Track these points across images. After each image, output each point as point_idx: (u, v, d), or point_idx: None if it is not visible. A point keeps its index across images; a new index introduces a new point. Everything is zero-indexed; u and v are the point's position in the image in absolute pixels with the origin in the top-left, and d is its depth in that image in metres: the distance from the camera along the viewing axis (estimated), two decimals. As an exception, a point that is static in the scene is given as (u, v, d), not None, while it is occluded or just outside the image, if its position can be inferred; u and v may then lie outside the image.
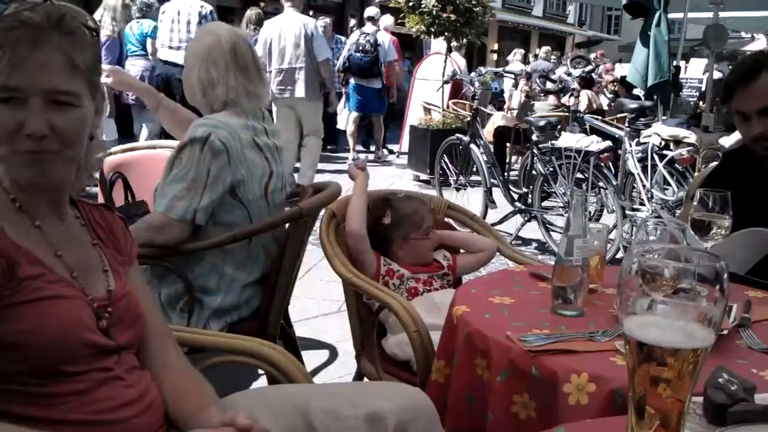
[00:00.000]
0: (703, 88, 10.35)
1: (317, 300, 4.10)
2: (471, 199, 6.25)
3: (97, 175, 1.50)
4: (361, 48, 8.87)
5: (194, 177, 2.13)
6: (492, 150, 6.41)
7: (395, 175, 9.05)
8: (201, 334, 1.75)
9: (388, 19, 9.66)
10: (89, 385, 1.22)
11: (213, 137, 2.13)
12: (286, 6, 6.53)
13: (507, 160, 7.83)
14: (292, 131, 6.67)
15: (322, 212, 2.44)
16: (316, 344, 3.48)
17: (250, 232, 2.26)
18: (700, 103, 9.07)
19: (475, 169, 6.18)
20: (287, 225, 2.38)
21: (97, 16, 6.38)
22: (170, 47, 6.72)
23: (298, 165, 6.98)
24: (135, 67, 6.89)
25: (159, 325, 1.43)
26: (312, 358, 3.26)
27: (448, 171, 6.50)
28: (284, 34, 6.45)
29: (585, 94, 9.75)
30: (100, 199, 3.10)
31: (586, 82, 9.73)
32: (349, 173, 2.50)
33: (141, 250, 1.67)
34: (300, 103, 6.60)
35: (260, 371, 2.34)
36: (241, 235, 2.25)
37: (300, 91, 6.52)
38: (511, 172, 7.90)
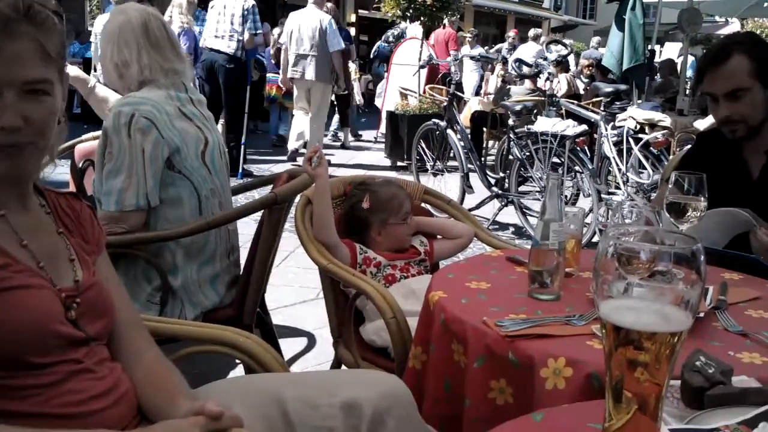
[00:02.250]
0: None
1: (294, 287, 4.09)
2: (448, 185, 6.25)
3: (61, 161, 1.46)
4: (386, 39, 9.19)
5: (131, 164, 2.12)
6: (469, 135, 6.41)
7: (373, 160, 9.03)
8: (175, 324, 1.73)
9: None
10: (58, 377, 1.20)
11: (137, 116, 2.12)
12: (309, 2, 7.86)
13: (484, 145, 7.84)
14: (303, 106, 8.10)
15: (298, 198, 2.41)
16: (294, 332, 3.47)
17: (225, 218, 2.24)
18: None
19: (452, 155, 6.18)
20: (262, 212, 2.37)
21: (167, 13, 7.31)
22: (215, 36, 7.36)
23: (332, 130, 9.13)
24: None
25: (130, 315, 1.40)
26: (289, 346, 3.24)
27: (425, 156, 6.49)
28: (303, 26, 7.73)
29: (564, 78, 9.77)
30: (71, 187, 3.07)
31: (563, 66, 9.76)
32: (304, 169, 2.37)
33: (110, 238, 1.63)
34: (311, 84, 7.90)
35: (237, 360, 2.33)
36: (215, 222, 2.23)
37: (310, 73, 7.79)
38: (488, 157, 7.92)
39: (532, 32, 13.15)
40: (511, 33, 14.01)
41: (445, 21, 10.28)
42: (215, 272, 2.34)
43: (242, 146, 7.50)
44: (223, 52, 7.26)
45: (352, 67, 10.77)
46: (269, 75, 9.46)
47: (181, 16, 7.30)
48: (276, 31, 8.86)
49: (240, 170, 7.36)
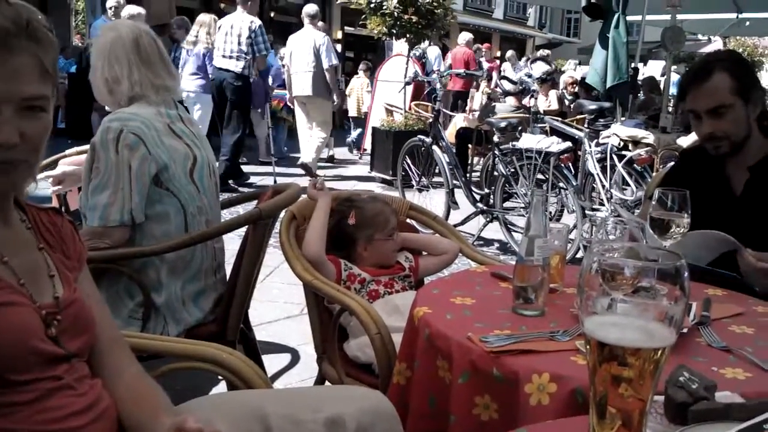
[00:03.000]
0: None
1: (278, 303, 4.07)
2: (433, 201, 6.26)
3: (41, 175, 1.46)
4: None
5: (117, 179, 2.11)
6: (454, 151, 6.43)
7: (358, 176, 9.04)
8: (157, 340, 1.71)
9: (464, 36, 10.90)
10: (38, 394, 1.18)
11: (125, 132, 2.12)
12: (305, 22, 8.20)
13: (469, 162, 7.86)
14: (308, 125, 8.40)
15: (282, 214, 2.41)
16: (277, 348, 3.45)
17: (209, 234, 2.23)
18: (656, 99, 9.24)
19: (437, 171, 6.20)
20: (246, 227, 2.36)
21: (192, 32, 7.79)
22: (223, 56, 7.59)
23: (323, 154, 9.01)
24: (194, 83, 7.75)
25: (111, 331, 1.39)
26: (273, 362, 3.22)
27: (410, 172, 6.51)
28: (300, 45, 8.11)
29: (554, 95, 9.84)
30: (55, 202, 3.04)
31: (551, 83, 9.83)
32: (308, 194, 2.46)
33: (92, 253, 1.62)
34: (308, 100, 8.21)
35: (220, 377, 2.31)
36: (200, 237, 2.22)
37: (308, 89, 8.10)
38: (473, 174, 7.94)
39: (509, 53, 13.28)
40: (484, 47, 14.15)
41: (461, 40, 10.48)
42: (200, 289, 2.33)
43: (273, 160, 8.10)
44: (231, 70, 7.53)
45: (357, 82, 10.92)
46: (276, 91, 9.60)
47: (207, 37, 7.62)
48: (282, 51, 9.10)
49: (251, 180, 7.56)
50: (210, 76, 7.73)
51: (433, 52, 11.49)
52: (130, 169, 2.11)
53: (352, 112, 11.03)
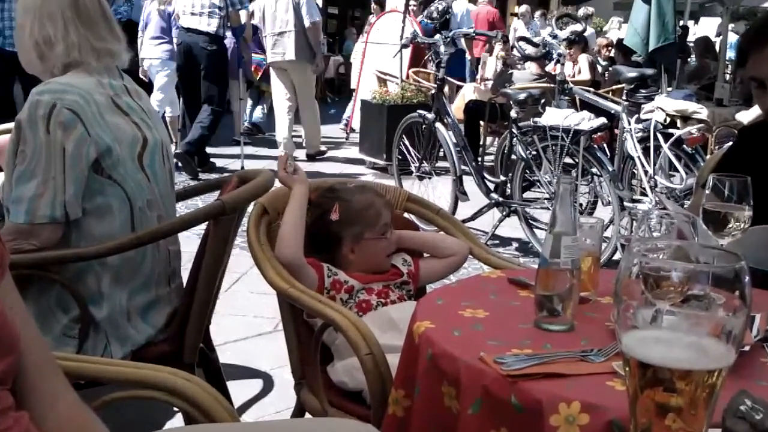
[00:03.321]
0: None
1: (246, 317, 4.08)
2: (437, 190, 6.26)
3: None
4: (429, 14, 9.53)
5: (48, 166, 2.10)
6: (462, 130, 6.43)
7: (345, 161, 9.04)
8: (97, 363, 1.71)
9: None
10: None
11: (59, 108, 2.11)
12: None
13: (481, 142, 7.87)
14: (287, 96, 8.52)
15: (251, 207, 2.41)
16: (246, 372, 3.45)
17: (160, 232, 2.23)
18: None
19: (441, 154, 6.19)
20: (206, 224, 2.36)
21: None
22: (192, 13, 7.53)
23: (296, 131, 8.95)
24: (157, 49, 7.90)
25: (40, 352, 1.38)
26: (241, 390, 3.22)
27: (408, 156, 6.50)
28: (274, 1, 8.13)
29: (585, 59, 9.84)
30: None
31: (581, 46, 9.82)
32: (279, 179, 2.45)
33: (15, 257, 1.62)
34: (291, 66, 8.30)
35: (175, 408, 2.31)
36: (149, 236, 2.22)
37: (290, 53, 8.16)
38: (486, 157, 7.96)
39: (522, 8, 13.27)
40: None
41: None
42: (151, 301, 2.33)
43: (242, 139, 8.24)
44: (202, 32, 7.50)
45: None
46: (254, 55, 9.65)
47: None
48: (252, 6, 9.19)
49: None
50: (175, 40, 7.76)
51: (459, 6, 11.49)
52: (64, 153, 2.10)
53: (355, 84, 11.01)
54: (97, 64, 2.25)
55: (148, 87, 8.25)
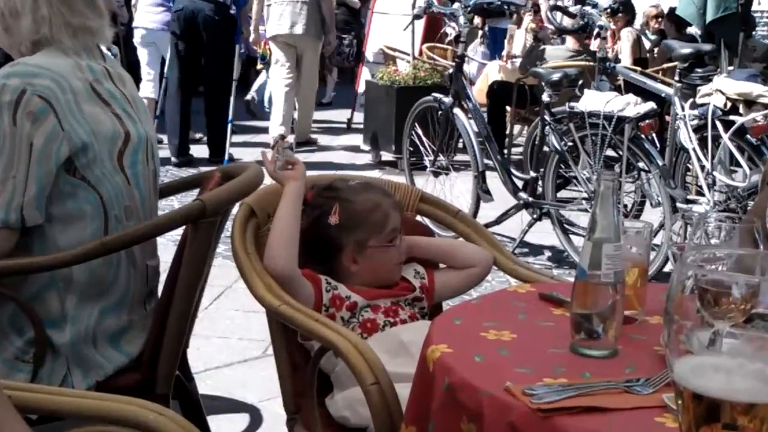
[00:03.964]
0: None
1: (231, 340, 4.08)
2: (455, 189, 6.26)
3: None
4: None
5: (9, 161, 2.10)
6: (485, 117, 6.43)
7: (346, 154, 9.04)
8: (54, 394, 1.71)
9: None
10: None
11: (29, 93, 2.10)
12: None
13: (507, 132, 7.86)
14: (289, 76, 8.61)
15: (236, 208, 2.41)
16: (230, 405, 3.46)
17: (129, 238, 2.23)
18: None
19: (461, 145, 6.19)
20: (184, 228, 2.36)
21: None
22: None
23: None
24: (157, 17, 8.13)
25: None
26: (224, 425, 3.23)
27: (421, 147, 6.50)
28: None
29: (628, 35, 9.81)
30: None
31: (624, 16, 9.78)
32: (268, 172, 2.42)
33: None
34: (299, 41, 8.45)
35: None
36: (116, 243, 2.21)
37: (299, 26, 8.28)
38: (514, 149, 7.94)
39: None
40: None
41: None
42: (122, 326, 2.32)
43: (229, 125, 8.00)
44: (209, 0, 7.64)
45: None
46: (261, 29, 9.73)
47: None
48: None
49: (226, 157, 7.77)
50: (173, 6, 7.84)
51: None
52: (30, 148, 2.10)
53: None
54: (73, 43, 2.24)
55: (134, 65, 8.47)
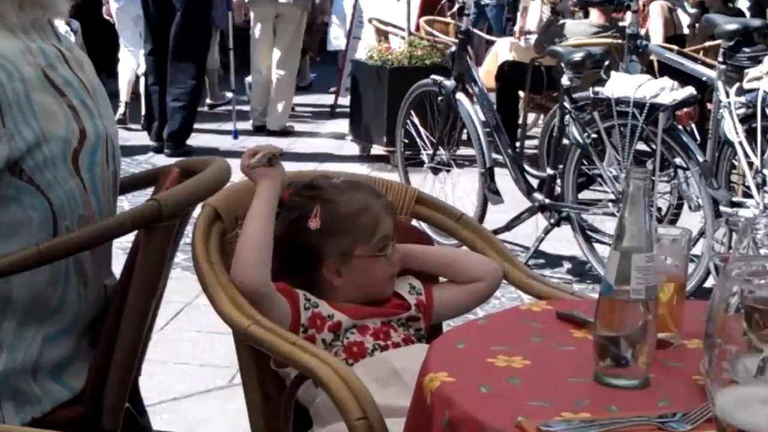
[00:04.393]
0: None
1: (191, 366, 4.09)
2: (458, 188, 6.27)
3: None
4: None
5: None
6: (494, 103, 6.43)
7: (329, 147, 9.04)
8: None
9: None
10: None
11: None
12: None
13: (520, 121, 7.87)
14: (271, 48, 8.98)
15: (198, 210, 2.41)
16: (191, 443, 3.46)
17: (70, 244, 2.22)
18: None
19: (465, 137, 6.19)
20: (135, 234, 2.35)
21: None
22: None
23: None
24: None
25: None
26: (182, 468, 3.23)
27: (418, 140, 6.51)
28: None
29: (658, 9, 9.83)
30: None
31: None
32: (242, 169, 2.41)
33: None
34: (286, 11, 8.74)
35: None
36: (53, 251, 2.20)
37: None
38: (528, 142, 7.95)
39: None
40: None
41: None
42: (68, 355, 2.31)
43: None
44: None
45: None
46: None
47: None
48: None
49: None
50: None
51: None
52: None
53: None
54: (20, 19, 2.22)
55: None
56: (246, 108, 9.72)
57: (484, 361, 1.73)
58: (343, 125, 9.36)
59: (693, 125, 5.30)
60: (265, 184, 2.37)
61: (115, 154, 2.39)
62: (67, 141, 2.22)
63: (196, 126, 8.72)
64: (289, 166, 2.53)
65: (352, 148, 8.71)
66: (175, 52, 7.98)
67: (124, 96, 9.22)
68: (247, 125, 9.32)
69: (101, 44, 9.65)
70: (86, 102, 2.30)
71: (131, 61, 9.12)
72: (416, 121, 6.50)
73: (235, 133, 8.68)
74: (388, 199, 2.58)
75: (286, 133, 9.10)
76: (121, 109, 9.12)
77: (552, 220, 5.75)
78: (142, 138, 8.75)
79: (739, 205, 5.39)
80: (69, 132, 2.23)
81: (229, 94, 9.26)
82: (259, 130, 9.15)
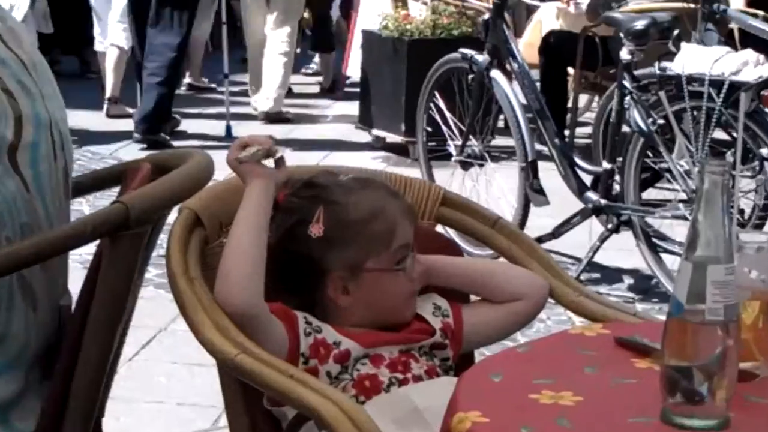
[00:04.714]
0: None
1: (166, 405, 4.10)
2: (494, 187, 6.27)
3: None
4: None
5: None
6: (538, 83, 6.43)
7: (335, 136, 9.05)
8: None
9: None
10: None
11: None
12: None
13: (569, 104, 7.87)
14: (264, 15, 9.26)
15: (173, 215, 2.42)
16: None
17: (17, 258, 2.23)
18: None
19: (502, 123, 6.19)
20: (97, 242, 2.36)
21: None
22: None
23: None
24: None
25: None
26: None
27: (444, 127, 6.52)
28: None
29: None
30: None
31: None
32: (228, 161, 2.40)
33: None
34: None
35: None
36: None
37: None
38: (579, 129, 7.94)
39: None
40: None
41: None
42: (17, 392, 2.32)
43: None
44: None
45: None
46: None
47: None
48: None
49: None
50: None
51: None
52: None
53: None
54: None
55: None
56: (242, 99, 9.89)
57: (525, 397, 1.73)
58: (352, 109, 9.37)
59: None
60: (257, 184, 2.35)
61: (64, 144, 2.38)
62: (1, 132, 2.22)
63: (180, 110, 8.81)
64: (289, 158, 2.53)
65: (363, 138, 8.70)
66: (156, 17, 8.13)
67: (110, 84, 9.38)
68: (246, 110, 9.36)
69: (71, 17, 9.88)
70: (24, 82, 2.30)
71: (120, 38, 9.25)
72: (441, 104, 6.51)
73: (228, 129, 8.74)
74: (407, 200, 2.58)
75: (281, 119, 9.13)
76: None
77: (609, 226, 5.75)
78: (107, 124, 8.84)
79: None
80: (1, 122, 2.24)
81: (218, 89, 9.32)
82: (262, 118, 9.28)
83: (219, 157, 2.47)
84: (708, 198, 1.69)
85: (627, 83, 5.70)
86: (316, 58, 11.88)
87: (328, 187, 2.48)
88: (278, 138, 8.63)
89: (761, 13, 7.43)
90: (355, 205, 2.44)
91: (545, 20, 9.15)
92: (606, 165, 5.94)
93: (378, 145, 8.53)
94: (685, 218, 5.30)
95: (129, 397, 3.90)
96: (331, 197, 2.45)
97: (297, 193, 2.48)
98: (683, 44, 5.75)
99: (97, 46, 9.51)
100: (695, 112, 5.29)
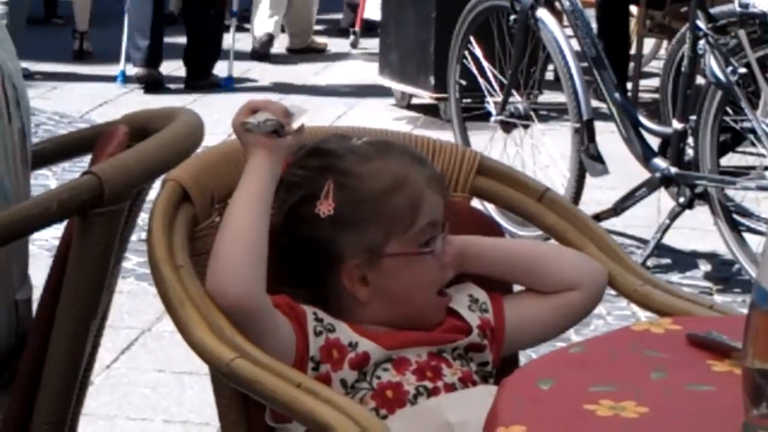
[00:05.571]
0: None
1: (151, 422, 4.11)
2: (541, 152, 6.27)
3: None
4: None
5: None
6: (593, 28, 6.43)
7: (350, 91, 9.05)
8: None
9: None
10: None
11: None
12: None
13: (632, 51, 7.86)
14: None
15: (155, 189, 2.42)
16: None
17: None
18: None
19: (552, 76, 6.19)
20: (65, 223, 2.37)
21: None
22: None
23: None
24: None
25: None
26: None
27: (482, 81, 6.52)
28: None
29: None
30: None
31: None
32: (233, 125, 2.39)
33: None
34: None
35: None
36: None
37: None
38: (644, 81, 7.93)
39: None
40: None
41: None
42: None
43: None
44: None
45: None
46: None
47: None
48: None
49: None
50: None
51: None
52: None
53: None
54: None
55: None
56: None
57: (579, 408, 1.74)
58: (369, 59, 9.37)
59: None
60: (261, 157, 2.34)
61: (20, 102, 2.38)
62: None
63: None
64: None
65: (384, 94, 8.71)
66: None
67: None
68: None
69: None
70: None
71: None
72: (478, 53, 6.51)
73: (230, 80, 8.88)
74: (436, 168, 2.58)
75: (312, 49, 9.29)
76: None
77: (681, 200, 5.74)
78: (78, 77, 8.89)
79: None
80: None
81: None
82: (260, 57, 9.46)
83: (214, 109, 2.46)
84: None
85: (701, 24, 5.69)
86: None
87: (339, 154, 2.47)
88: (281, 89, 8.73)
89: None
90: (372, 176, 2.43)
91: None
92: (677, 125, 5.93)
93: (402, 103, 8.53)
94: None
95: (106, 414, 3.91)
96: (342, 166, 2.44)
97: (302, 163, 2.47)
98: (770, -22, 5.75)
99: None
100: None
